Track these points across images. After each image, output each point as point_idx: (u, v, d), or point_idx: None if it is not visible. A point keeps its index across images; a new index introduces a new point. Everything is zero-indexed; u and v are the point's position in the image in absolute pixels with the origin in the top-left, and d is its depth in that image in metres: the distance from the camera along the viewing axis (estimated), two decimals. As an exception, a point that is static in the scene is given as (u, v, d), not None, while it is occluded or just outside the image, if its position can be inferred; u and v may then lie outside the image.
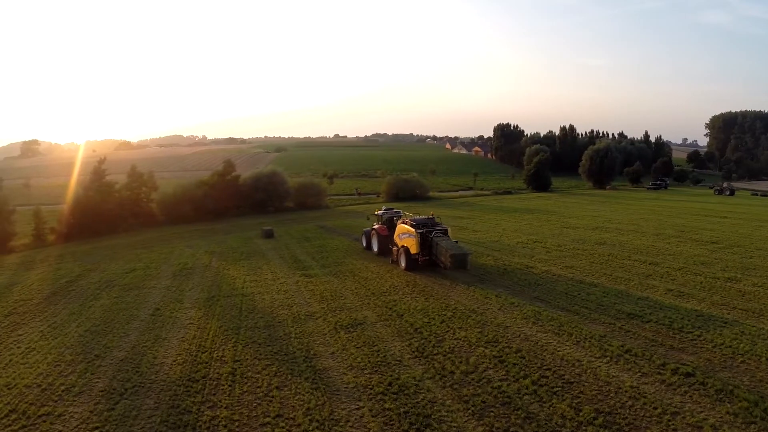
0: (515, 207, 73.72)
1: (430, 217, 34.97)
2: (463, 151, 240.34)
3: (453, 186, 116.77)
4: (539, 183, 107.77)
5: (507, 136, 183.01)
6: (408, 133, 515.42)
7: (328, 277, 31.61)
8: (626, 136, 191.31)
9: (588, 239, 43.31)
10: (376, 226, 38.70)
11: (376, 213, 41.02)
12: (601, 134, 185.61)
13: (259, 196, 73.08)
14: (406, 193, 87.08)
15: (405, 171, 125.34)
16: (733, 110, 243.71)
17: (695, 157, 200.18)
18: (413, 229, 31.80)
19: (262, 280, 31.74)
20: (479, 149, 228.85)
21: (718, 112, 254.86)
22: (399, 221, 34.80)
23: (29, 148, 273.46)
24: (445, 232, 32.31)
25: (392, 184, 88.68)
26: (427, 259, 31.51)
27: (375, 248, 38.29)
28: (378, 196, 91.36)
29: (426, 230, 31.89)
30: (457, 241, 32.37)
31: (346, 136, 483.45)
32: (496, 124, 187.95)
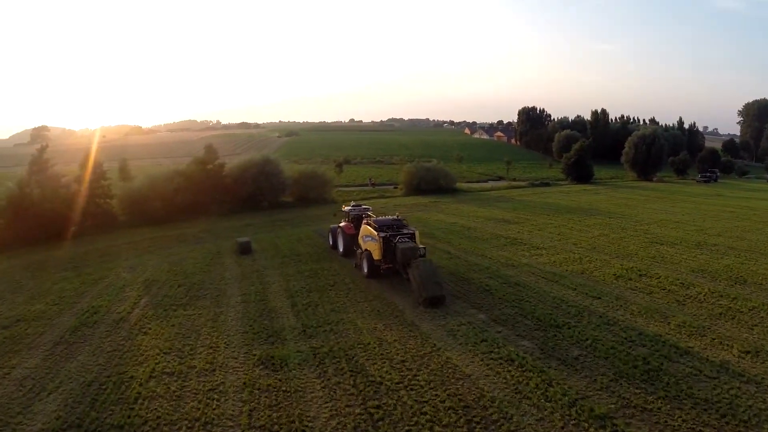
0: (566, 205, 58.81)
1: (396, 218, 30.82)
2: (485, 137, 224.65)
3: (480, 175, 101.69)
4: (580, 173, 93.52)
5: (533, 120, 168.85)
6: (424, 118, 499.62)
7: (306, 369, 16.97)
8: (657, 122, 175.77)
9: (712, 269, 28.78)
10: (342, 224, 35.14)
11: (343, 209, 37.21)
12: (632, 120, 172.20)
13: (247, 189, 58.51)
14: (429, 184, 71.65)
15: (424, 157, 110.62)
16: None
17: (731, 146, 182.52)
18: (376, 233, 28.06)
19: (186, 369, 17.33)
20: (502, 134, 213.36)
21: (740, 100, 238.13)
22: (363, 221, 30.92)
23: (39, 134, 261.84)
24: (412, 237, 28.11)
25: (413, 173, 72.90)
26: (390, 267, 27.65)
27: (340, 248, 34.68)
28: (395, 188, 76.25)
29: (390, 234, 27.95)
30: (431, 262, 25.58)
31: (361, 121, 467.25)
32: (520, 108, 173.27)
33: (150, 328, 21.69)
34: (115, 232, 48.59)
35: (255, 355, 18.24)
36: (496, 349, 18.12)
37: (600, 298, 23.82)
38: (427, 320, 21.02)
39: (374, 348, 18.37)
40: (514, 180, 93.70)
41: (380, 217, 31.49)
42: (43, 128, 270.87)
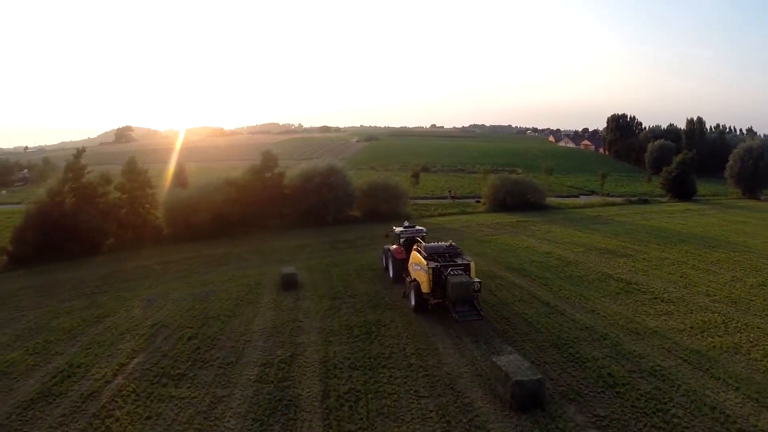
0: (676, 230, 48.38)
1: (450, 245, 27.31)
2: (570, 145, 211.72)
3: (569, 188, 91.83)
4: (682, 190, 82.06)
5: (622, 128, 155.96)
6: (506, 124, 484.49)
7: None
8: (755, 132, 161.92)
9: None
10: (393, 247, 31.79)
11: (394, 230, 33.17)
12: (729, 129, 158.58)
13: (308, 202, 51.83)
14: (515, 200, 62.55)
15: (508, 166, 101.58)
16: None
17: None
18: (425, 262, 24.59)
19: None
20: (589, 143, 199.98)
21: None
22: (414, 246, 28.04)
23: (123, 134, 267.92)
24: (466, 269, 24.30)
25: (498, 187, 63.75)
26: (439, 303, 23.95)
27: (390, 273, 31.38)
28: (478, 202, 67.83)
29: (441, 264, 24.35)
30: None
31: (442, 127, 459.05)
32: (609, 115, 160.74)
33: (118, 419, 15.22)
34: (154, 248, 43.43)
35: None
36: None
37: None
38: (526, 449, 13.32)
39: None
40: (608, 195, 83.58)
41: (432, 243, 28.13)
42: (127, 128, 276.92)
